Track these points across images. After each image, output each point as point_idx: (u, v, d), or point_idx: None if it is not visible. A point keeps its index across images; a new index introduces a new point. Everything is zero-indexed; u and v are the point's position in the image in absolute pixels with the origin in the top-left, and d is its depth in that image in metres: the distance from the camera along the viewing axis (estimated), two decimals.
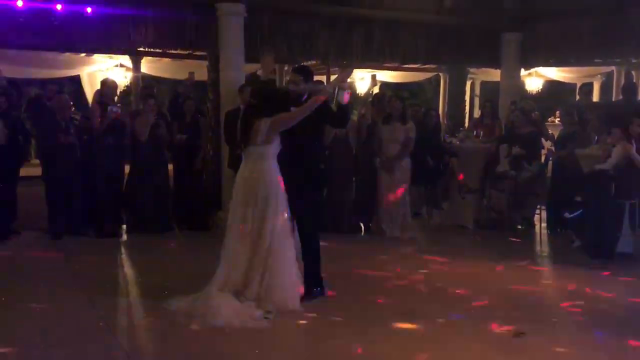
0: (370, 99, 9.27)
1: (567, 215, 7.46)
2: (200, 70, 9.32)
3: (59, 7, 7.65)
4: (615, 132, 6.92)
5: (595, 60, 10.47)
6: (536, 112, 8.65)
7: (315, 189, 5.40)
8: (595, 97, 13.13)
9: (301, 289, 5.00)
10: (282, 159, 4.97)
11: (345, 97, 5.07)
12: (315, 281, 5.21)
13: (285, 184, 4.93)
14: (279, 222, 4.83)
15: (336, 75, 6.44)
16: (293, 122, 4.89)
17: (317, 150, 5.42)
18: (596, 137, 7.81)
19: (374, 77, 13.16)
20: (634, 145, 6.72)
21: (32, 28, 7.65)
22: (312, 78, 5.35)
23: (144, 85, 10.56)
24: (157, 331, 4.44)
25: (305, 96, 5.13)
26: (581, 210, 7.07)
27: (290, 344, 4.34)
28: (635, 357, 4.29)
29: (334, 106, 5.17)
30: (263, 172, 4.88)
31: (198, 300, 4.73)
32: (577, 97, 10.45)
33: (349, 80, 13.67)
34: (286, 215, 4.90)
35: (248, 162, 4.96)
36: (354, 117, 8.98)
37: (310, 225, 5.24)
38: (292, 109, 5.03)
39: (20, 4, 7.52)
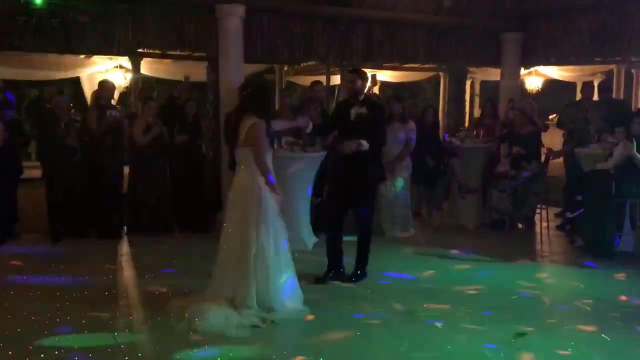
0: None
1: (568, 214, 7.47)
2: (200, 72, 9.30)
3: (57, 8, 7.65)
4: (619, 131, 6.92)
5: (596, 59, 10.45)
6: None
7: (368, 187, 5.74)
8: (595, 96, 13.09)
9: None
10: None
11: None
12: (363, 269, 5.78)
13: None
14: (262, 230, 4.69)
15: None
16: (257, 155, 4.68)
17: (368, 153, 5.62)
18: (596, 136, 7.78)
19: (374, 77, 13.14)
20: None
21: (30, 30, 7.64)
22: (366, 79, 5.89)
23: (141, 87, 10.52)
24: (157, 334, 4.44)
25: (362, 95, 5.71)
26: (582, 210, 7.07)
27: (287, 350, 4.30)
28: None
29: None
30: (246, 176, 4.77)
31: (194, 304, 4.72)
32: (578, 97, 10.44)
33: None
34: (272, 224, 4.75)
35: (238, 165, 4.90)
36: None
37: (369, 223, 5.78)
38: (352, 110, 5.64)
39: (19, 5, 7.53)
